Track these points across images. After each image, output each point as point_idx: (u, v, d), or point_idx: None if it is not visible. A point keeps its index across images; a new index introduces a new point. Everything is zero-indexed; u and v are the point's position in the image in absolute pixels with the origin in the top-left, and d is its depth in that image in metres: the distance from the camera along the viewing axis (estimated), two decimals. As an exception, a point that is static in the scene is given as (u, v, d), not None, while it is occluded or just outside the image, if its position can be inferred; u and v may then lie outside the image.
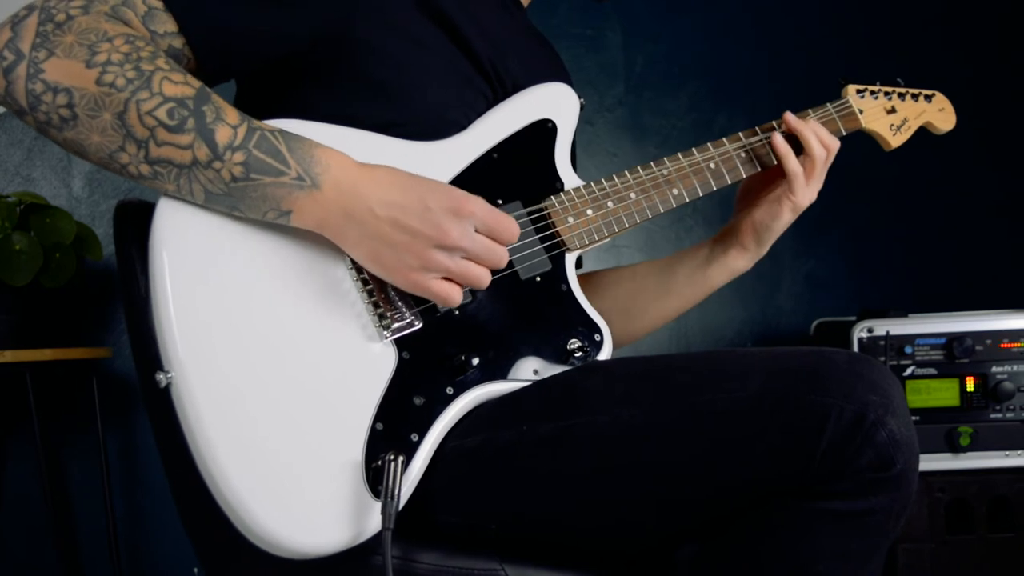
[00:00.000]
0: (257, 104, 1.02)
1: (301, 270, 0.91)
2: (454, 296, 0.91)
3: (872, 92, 1.25)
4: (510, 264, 1.01)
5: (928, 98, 1.28)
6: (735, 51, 2.50)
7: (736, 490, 0.86)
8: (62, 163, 2.29)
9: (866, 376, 0.83)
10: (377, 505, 0.85)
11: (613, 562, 0.98)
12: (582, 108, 1.12)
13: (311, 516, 0.84)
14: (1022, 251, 2.48)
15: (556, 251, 1.04)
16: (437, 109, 1.03)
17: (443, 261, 0.89)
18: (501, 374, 0.97)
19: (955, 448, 1.84)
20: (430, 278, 0.90)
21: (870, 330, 1.87)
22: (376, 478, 0.86)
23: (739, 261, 1.18)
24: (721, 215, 2.46)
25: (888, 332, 1.86)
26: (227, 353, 0.86)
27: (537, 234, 1.03)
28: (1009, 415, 1.84)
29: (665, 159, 1.11)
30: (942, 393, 1.85)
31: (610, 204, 1.07)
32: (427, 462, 0.91)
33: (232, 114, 0.87)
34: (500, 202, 1.02)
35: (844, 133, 1.20)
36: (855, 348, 1.87)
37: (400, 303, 0.94)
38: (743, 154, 1.14)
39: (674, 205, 1.10)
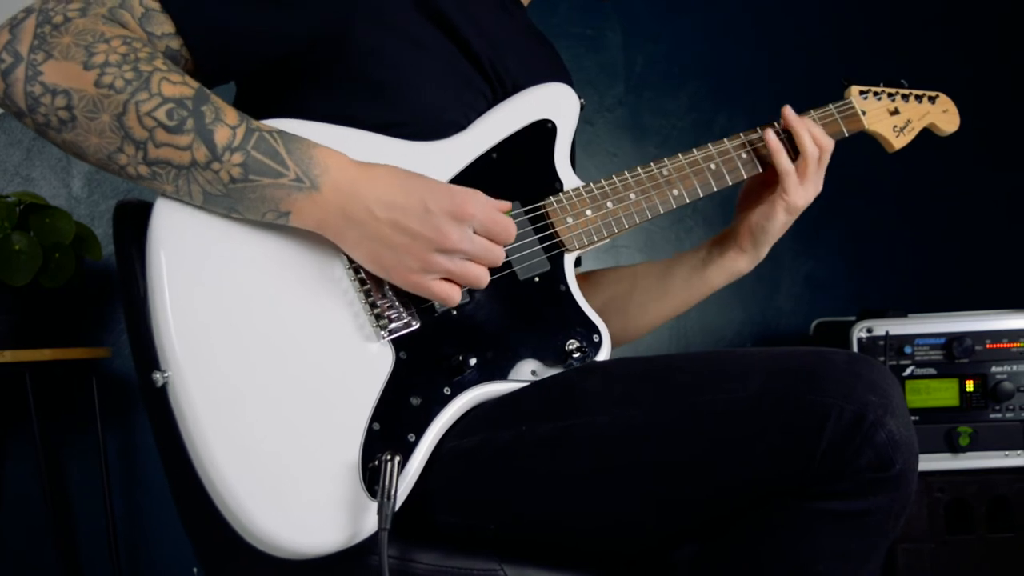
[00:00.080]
0: (256, 105, 1.02)
1: (299, 270, 0.91)
2: (454, 296, 0.92)
3: (875, 93, 1.24)
4: (508, 264, 1.01)
5: (932, 99, 1.28)
6: (735, 51, 2.50)
7: (736, 490, 0.86)
8: (61, 163, 2.29)
9: (865, 376, 0.83)
10: (374, 505, 0.85)
11: (612, 562, 0.98)
12: (582, 108, 1.12)
13: (308, 516, 0.84)
14: (1022, 251, 2.48)
15: (555, 251, 1.04)
16: (436, 110, 1.03)
17: (443, 263, 0.90)
18: (499, 374, 0.97)
19: (954, 448, 1.84)
20: (430, 279, 0.90)
21: (869, 330, 1.87)
22: (373, 478, 0.86)
23: (738, 263, 1.18)
24: (721, 216, 2.46)
25: (887, 332, 1.86)
26: (224, 353, 0.86)
27: (536, 234, 1.03)
28: (1008, 415, 1.84)
29: (665, 159, 1.11)
30: (941, 393, 1.85)
31: (609, 205, 1.07)
32: (424, 462, 0.91)
33: (231, 115, 0.87)
34: (499, 202, 1.02)
35: (847, 134, 1.20)
36: (855, 348, 1.87)
37: (398, 303, 0.94)
38: (744, 154, 1.14)
39: (674, 206, 1.10)
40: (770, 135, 1.12)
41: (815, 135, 1.13)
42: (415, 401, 0.92)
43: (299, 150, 0.88)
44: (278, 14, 0.96)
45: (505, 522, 0.93)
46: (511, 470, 0.92)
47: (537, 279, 1.02)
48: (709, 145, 1.13)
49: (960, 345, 1.83)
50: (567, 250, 1.04)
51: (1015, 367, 1.84)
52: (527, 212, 1.04)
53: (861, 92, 1.23)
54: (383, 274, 0.91)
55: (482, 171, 1.03)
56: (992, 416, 1.84)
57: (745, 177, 1.14)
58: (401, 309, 0.94)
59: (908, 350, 1.86)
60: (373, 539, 0.85)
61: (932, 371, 1.86)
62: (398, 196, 0.89)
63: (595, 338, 1.02)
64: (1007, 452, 1.84)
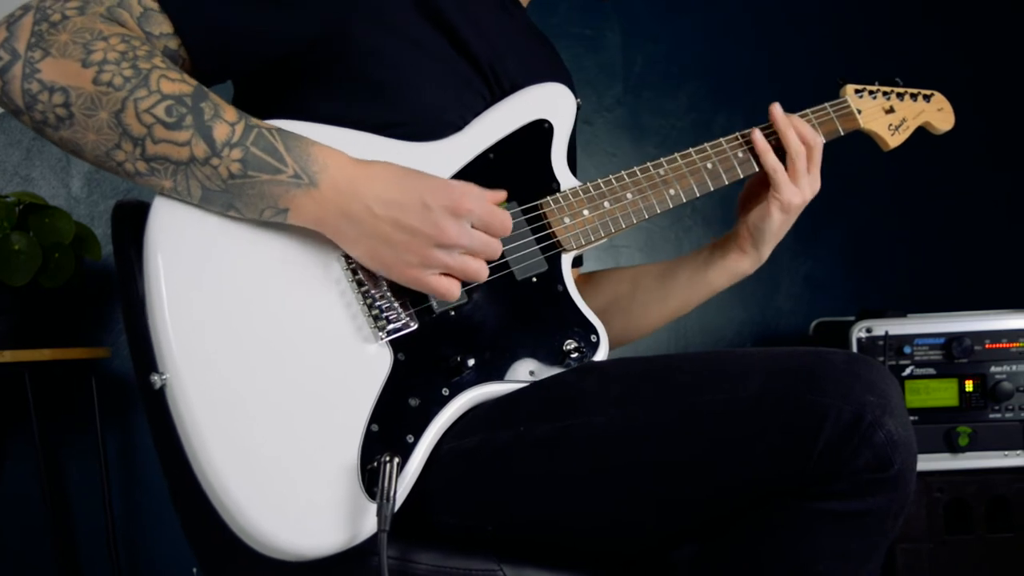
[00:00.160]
0: (255, 105, 1.02)
1: (296, 271, 0.91)
2: (453, 291, 0.92)
3: (871, 92, 1.24)
4: (506, 265, 1.01)
5: (927, 98, 1.28)
6: (735, 51, 2.50)
7: (736, 490, 0.86)
8: (61, 163, 2.29)
9: (864, 376, 0.83)
10: (373, 507, 0.85)
11: (612, 563, 0.98)
12: (579, 108, 1.11)
13: (307, 518, 0.84)
14: (1021, 251, 2.48)
15: (552, 251, 1.04)
16: (435, 110, 1.03)
17: (442, 258, 0.90)
18: (497, 375, 0.97)
19: (954, 448, 1.84)
20: (429, 274, 0.91)
21: (869, 330, 1.87)
22: (372, 480, 0.86)
23: (740, 264, 1.17)
24: (721, 215, 2.46)
25: (887, 332, 1.86)
26: (222, 355, 0.86)
27: (533, 234, 1.03)
28: (1008, 415, 1.84)
29: (662, 159, 1.11)
30: (941, 393, 1.85)
31: (607, 204, 1.07)
32: (423, 463, 0.91)
33: (230, 111, 0.87)
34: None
35: (842, 133, 1.20)
36: (854, 348, 1.87)
37: (396, 304, 0.94)
38: (740, 153, 1.14)
39: (671, 205, 1.10)
40: (756, 135, 1.12)
41: (802, 132, 1.12)
42: (413, 402, 0.92)
43: (297, 147, 0.88)
44: (278, 14, 0.96)
45: (504, 522, 0.93)
46: (510, 471, 0.92)
47: (535, 279, 1.02)
48: (706, 145, 1.13)
49: (959, 345, 1.83)
50: (564, 250, 1.04)
51: (1014, 367, 1.84)
52: (524, 212, 1.04)
53: (856, 91, 1.23)
54: (383, 270, 0.91)
55: (479, 171, 1.02)
56: (991, 416, 1.84)
57: (741, 176, 1.14)
58: (399, 310, 0.94)
59: (907, 350, 1.86)
60: (372, 540, 0.85)
61: (931, 371, 1.86)
62: (396, 193, 0.89)
63: (593, 338, 1.02)
64: (1006, 452, 1.84)
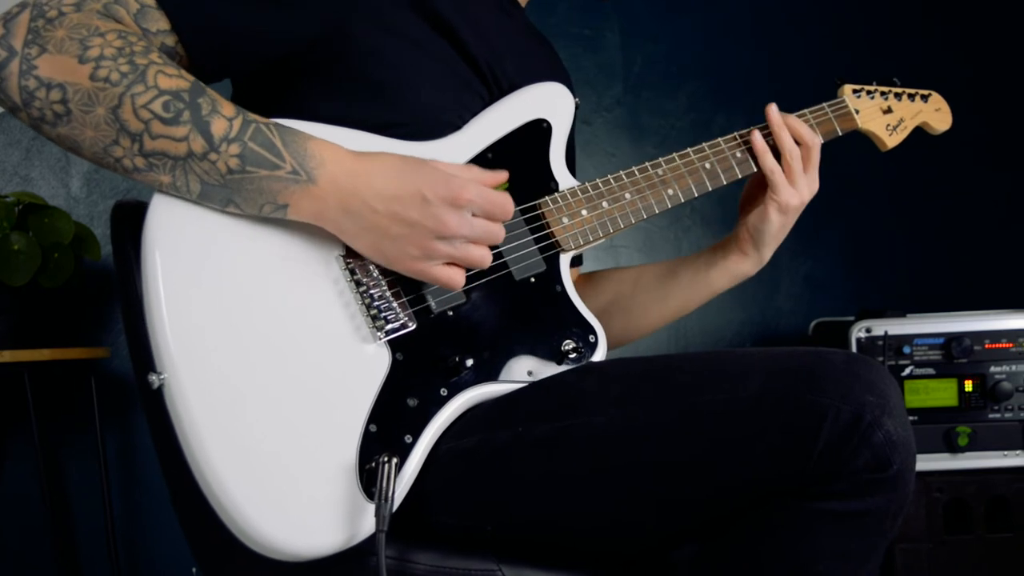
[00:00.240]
0: (254, 105, 1.01)
1: (295, 270, 0.91)
2: (458, 279, 0.92)
3: (868, 92, 1.24)
4: (504, 265, 1.01)
5: (924, 98, 1.28)
6: (734, 51, 2.49)
7: (736, 490, 0.86)
8: (60, 163, 2.29)
9: (863, 376, 0.83)
10: (371, 507, 0.85)
11: (611, 563, 0.98)
12: (577, 108, 1.11)
13: (305, 518, 0.84)
14: (1020, 251, 2.48)
15: (550, 252, 1.04)
16: (434, 110, 1.03)
17: (444, 249, 0.90)
18: (495, 375, 0.97)
19: (953, 448, 1.84)
20: (432, 265, 0.91)
21: (868, 330, 1.87)
22: (370, 480, 0.86)
23: (741, 266, 1.17)
24: (720, 215, 2.46)
25: (886, 332, 1.86)
26: (220, 354, 0.86)
27: (532, 234, 1.03)
28: (1007, 415, 1.84)
29: (661, 160, 1.11)
30: (940, 393, 1.85)
31: (605, 204, 1.07)
32: (421, 464, 0.91)
33: (228, 107, 0.88)
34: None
35: (840, 133, 1.20)
36: (853, 348, 1.87)
37: (395, 304, 0.94)
38: (738, 153, 1.14)
39: (669, 205, 1.10)
40: (756, 136, 1.12)
41: (798, 132, 1.12)
42: (412, 402, 0.92)
43: (295, 143, 0.88)
44: (278, 14, 0.95)
45: (503, 523, 0.93)
46: (509, 471, 0.92)
47: (533, 279, 1.02)
48: (704, 145, 1.13)
49: (959, 345, 1.83)
50: (563, 250, 1.04)
51: (1014, 367, 1.84)
52: (523, 212, 1.03)
53: (854, 91, 1.23)
54: (385, 263, 0.92)
55: (478, 171, 1.02)
56: (991, 416, 1.84)
57: (740, 176, 1.14)
58: (398, 310, 0.94)
59: (907, 350, 1.86)
60: (371, 540, 0.85)
61: (931, 371, 1.86)
62: (395, 187, 0.89)
63: (591, 338, 1.02)
64: (1006, 452, 1.84)
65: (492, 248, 0.95)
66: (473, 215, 0.91)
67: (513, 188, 0.99)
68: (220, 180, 0.87)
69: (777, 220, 1.12)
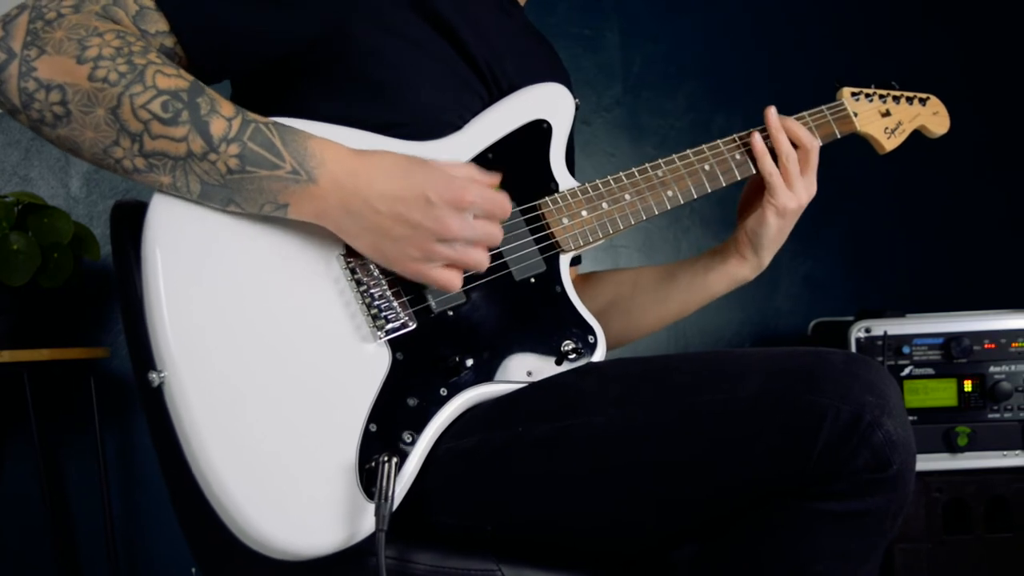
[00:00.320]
0: (254, 105, 1.01)
1: (296, 269, 0.91)
2: (455, 282, 0.92)
3: (867, 95, 1.24)
4: (504, 265, 1.01)
5: (923, 101, 1.28)
6: (734, 51, 2.50)
7: (736, 490, 0.86)
8: (60, 163, 2.29)
9: (862, 377, 0.83)
10: (371, 507, 0.85)
11: (611, 563, 0.98)
12: (577, 108, 1.11)
13: (305, 518, 0.84)
14: (1020, 251, 2.48)
15: (550, 252, 1.04)
16: (434, 110, 1.03)
17: (444, 251, 0.90)
18: (495, 375, 0.97)
19: (953, 448, 1.84)
20: (432, 267, 0.91)
21: (868, 330, 1.87)
22: (370, 479, 0.86)
23: (739, 270, 1.17)
24: (719, 216, 2.46)
25: (886, 332, 1.86)
26: (220, 353, 0.86)
27: (532, 235, 1.03)
28: (1007, 415, 1.84)
29: (660, 161, 1.11)
30: (940, 393, 1.85)
31: (604, 205, 1.07)
32: (421, 463, 0.91)
33: (227, 107, 0.87)
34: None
35: (839, 136, 1.19)
36: (853, 348, 1.87)
37: (395, 304, 0.94)
38: (737, 155, 1.14)
39: (668, 207, 1.10)
40: (755, 138, 1.12)
41: (796, 135, 1.12)
42: (412, 402, 0.92)
43: (295, 142, 0.88)
44: (278, 14, 0.95)
45: (502, 523, 0.93)
46: (508, 471, 0.92)
47: (533, 280, 1.02)
48: (704, 147, 1.13)
49: (958, 345, 1.83)
50: (562, 251, 1.04)
51: (1013, 367, 1.84)
52: (523, 212, 1.04)
53: (853, 94, 1.23)
54: (385, 264, 0.92)
55: (478, 172, 1.02)
56: (990, 416, 1.84)
57: (739, 178, 1.14)
58: (398, 309, 0.94)
59: (906, 350, 1.86)
60: (370, 540, 0.85)
61: (930, 371, 1.86)
62: (398, 187, 0.89)
63: (590, 339, 1.02)
64: (1005, 452, 1.84)
65: (492, 249, 0.96)
66: (474, 216, 0.91)
67: (513, 188, 0.99)
68: (220, 180, 0.87)
69: (775, 224, 1.12)
